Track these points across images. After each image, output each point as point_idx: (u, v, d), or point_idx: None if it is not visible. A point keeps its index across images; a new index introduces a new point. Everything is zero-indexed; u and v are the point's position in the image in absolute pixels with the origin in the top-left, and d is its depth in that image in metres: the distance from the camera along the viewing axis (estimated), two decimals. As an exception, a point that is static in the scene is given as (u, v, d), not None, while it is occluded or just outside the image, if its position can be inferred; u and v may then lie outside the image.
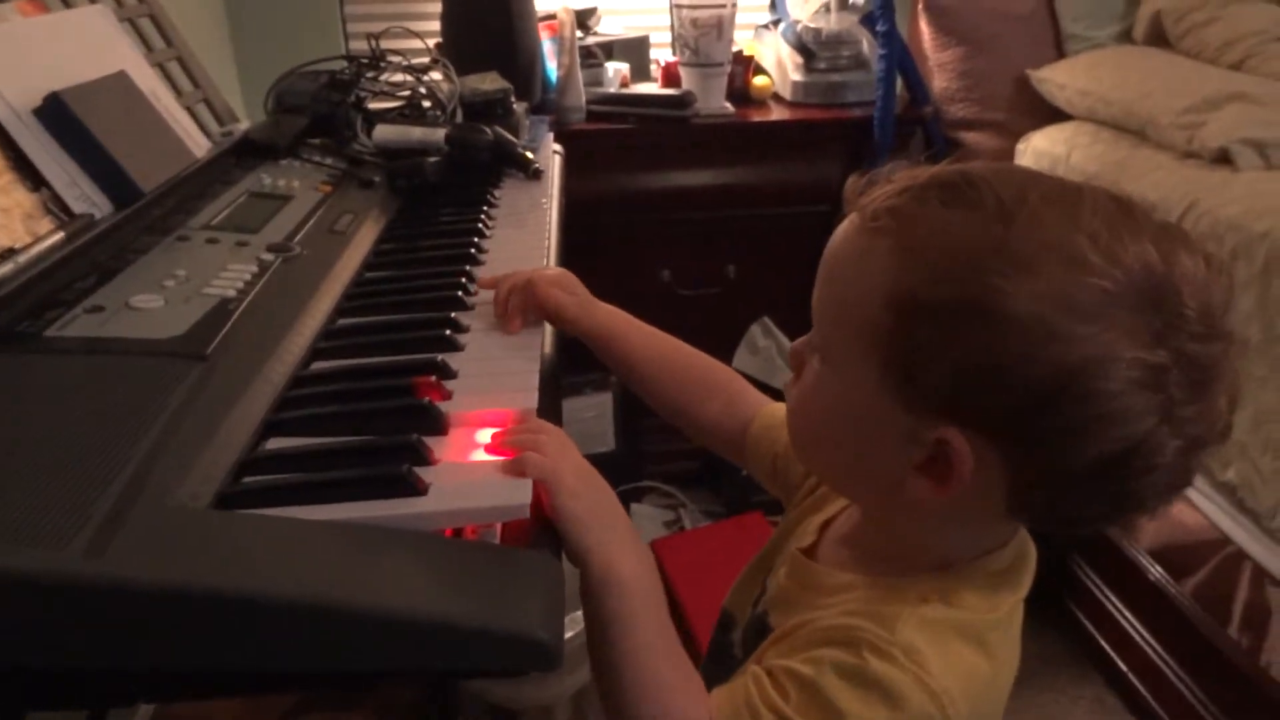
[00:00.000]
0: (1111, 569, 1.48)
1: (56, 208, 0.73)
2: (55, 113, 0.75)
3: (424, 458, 0.52)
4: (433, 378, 0.62)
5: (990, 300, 0.43)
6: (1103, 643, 1.50)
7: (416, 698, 1.32)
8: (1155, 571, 1.38)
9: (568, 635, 1.27)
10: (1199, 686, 1.30)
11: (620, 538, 0.53)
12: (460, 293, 0.77)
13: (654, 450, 1.88)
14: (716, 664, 0.56)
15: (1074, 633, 1.56)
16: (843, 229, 0.51)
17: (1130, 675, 1.43)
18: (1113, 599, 1.48)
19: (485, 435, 0.56)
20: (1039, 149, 1.70)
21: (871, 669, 0.47)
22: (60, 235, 0.70)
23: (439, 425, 0.57)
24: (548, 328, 0.73)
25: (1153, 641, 1.39)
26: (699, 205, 1.75)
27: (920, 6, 1.86)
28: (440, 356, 0.64)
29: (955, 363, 0.44)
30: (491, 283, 0.76)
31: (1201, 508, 1.32)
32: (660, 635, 0.51)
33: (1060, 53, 1.84)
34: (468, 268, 0.82)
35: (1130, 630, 1.43)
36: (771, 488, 0.71)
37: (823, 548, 0.60)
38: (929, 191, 0.47)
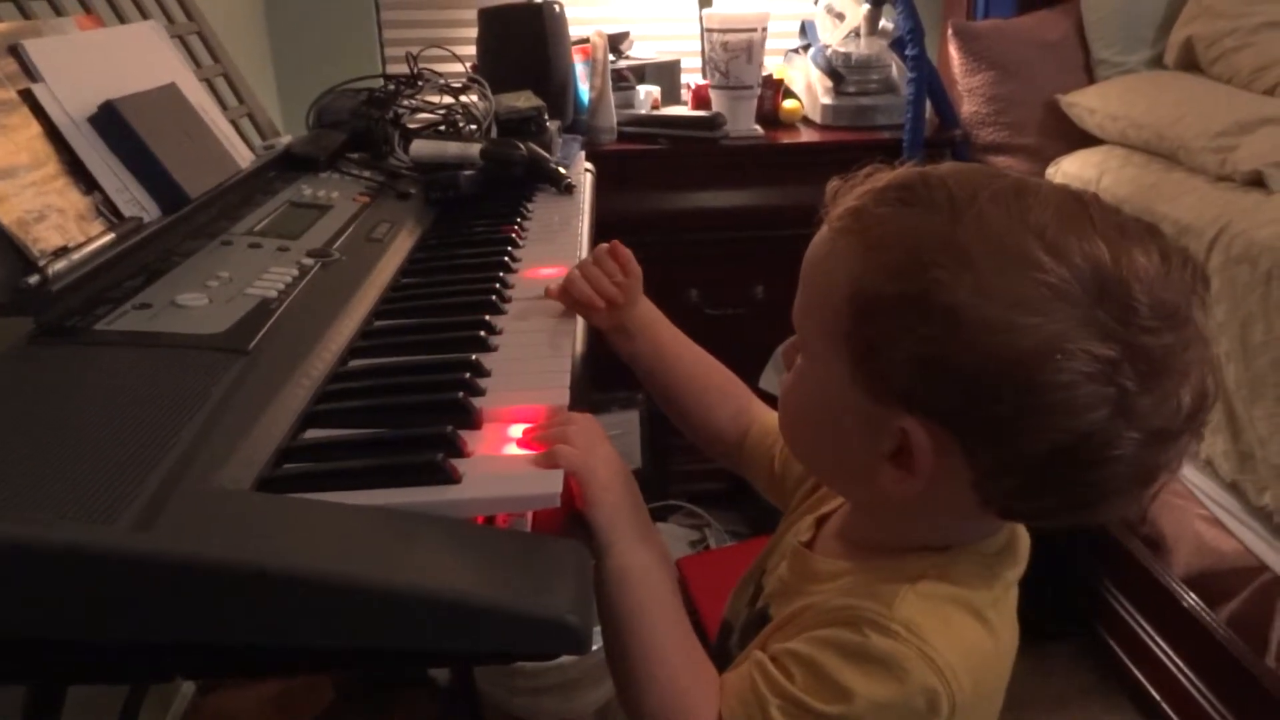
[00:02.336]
0: (1145, 596, 1.46)
1: (108, 210, 0.76)
2: (109, 120, 0.78)
3: (457, 448, 0.54)
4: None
5: (932, 293, 0.45)
6: (1136, 671, 1.47)
7: (440, 709, 1.33)
8: (1190, 598, 1.36)
9: (593, 649, 1.27)
10: (1235, 716, 1.27)
11: (642, 532, 0.55)
12: (494, 297, 0.78)
13: (680, 470, 1.88)
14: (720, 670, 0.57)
15: (1107, 661, 1.53)
16: (820, 232, 0.53)
17: (1164, 704, 1.40)
18: (1146, 626, 1.45)
19: (517, 430, 0.57)
20: (1069, 173, 1.70)
21: (874, 645, 0.48)
22: (111, 236, 0.72)
23: (472, 419, 0.58)
24: (579, 328, 0.74)
25: (1187, 670, 1.36)
26: (728, 226, 1.76)
27: (950, 32, 1.87)
28: (474, 355, 0.66)
29: (907, 355, 0.46)
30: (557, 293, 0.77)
31: (1237, 533, 1.30)
32: (673, 629, 0.53)
33: (1090, 78, 1.84)
34: (501, 274, 0.84)
35: (1164, 658, 1.40)
36: (769, 493, 0.73)
37: (819, 542, 0.61)
38: (889, 192, 0.49)
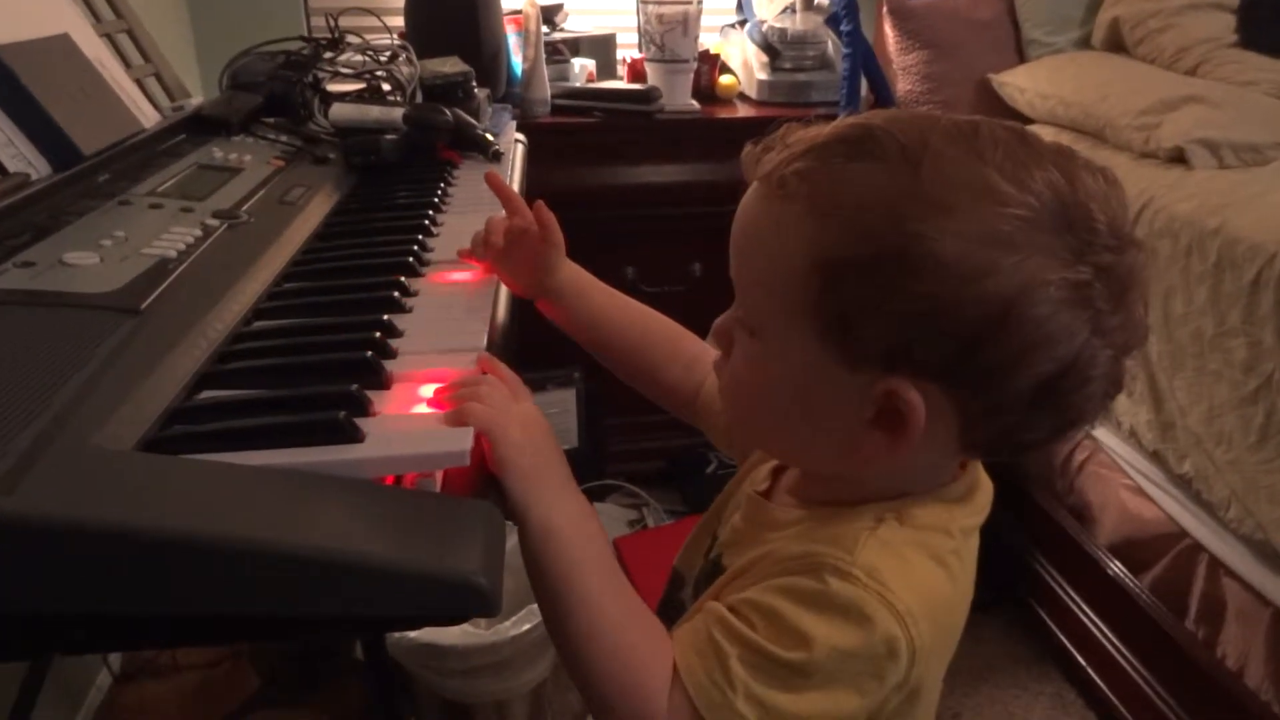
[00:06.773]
0: (1071, 565, 1.49)
1: (-11, 165, 0.71)
2: (-9, 69, 0.73)
3: (363, 407, 0.51)
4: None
5: (915, 247, 0.43)
6: (1063, 639, 1.50)
7: (367, 694, 1.29)
8: (1114, 566, 1.39)
9: (525, 628, 1.24)
10: (1156, 679, 1.30)
11: (561, 490, 0.52)
12: (412, 259, 0.75)
13: (618, 449, 1.86)
14: (667, 621, 0.54)
15: (1035, 629, 1.56)
16: (750, 199, 0.50)
17: (1089, 670, 1.44)
18: (1073, 595, 1.48)
19: (428, 390, 0.55)
20: (1000, 151, 1.72)
21: (834, 591, 0.46)
22: (-9, 192, 0.67)
23: (381, 380, 0.55)
24: (501, 292, 0.71)
25: (1111, 636, 1.40)
26: (664, 202, 1.75)
27: (884, 10, 1.88)
28: (386, 316, 0.63)
29: (892, 314, 0.45)
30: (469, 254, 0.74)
31: (1159, 501, 1.33)
32: (610, 583, 0.50)
33: (1021, 57, 1.87)
34: (420, 238, 0.80)
35: (1090, 625, 1.44)
36: (724, 446, 0.71)
37: (776, 493, 0.59)
38: (831, 149, 0.47)
